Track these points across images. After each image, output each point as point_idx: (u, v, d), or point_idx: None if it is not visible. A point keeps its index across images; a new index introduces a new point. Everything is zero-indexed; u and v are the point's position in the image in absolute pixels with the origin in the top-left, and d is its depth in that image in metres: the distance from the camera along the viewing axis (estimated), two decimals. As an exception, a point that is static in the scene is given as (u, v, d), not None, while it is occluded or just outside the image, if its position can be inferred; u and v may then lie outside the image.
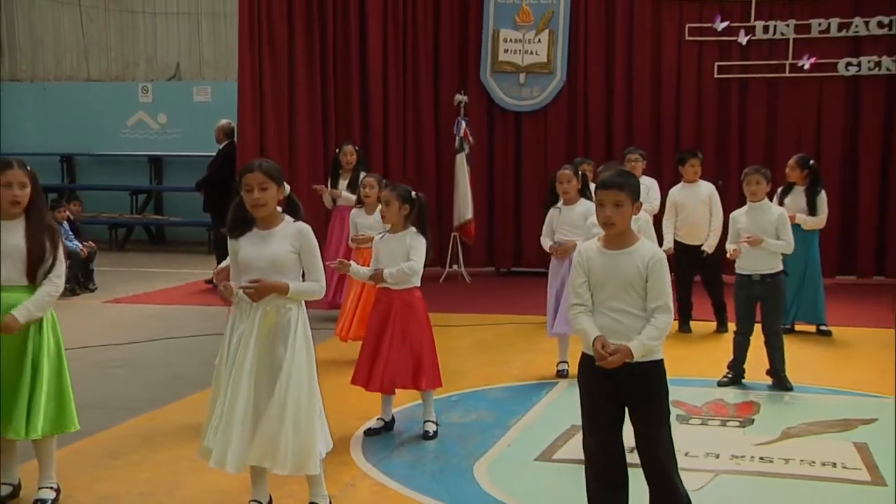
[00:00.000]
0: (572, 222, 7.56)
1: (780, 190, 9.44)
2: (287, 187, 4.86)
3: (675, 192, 9.64)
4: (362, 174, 10.01)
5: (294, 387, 4.66)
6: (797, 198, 9.31)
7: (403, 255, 6.10)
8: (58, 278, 4.91)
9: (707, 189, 9.53)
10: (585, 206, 7.26)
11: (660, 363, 4.39)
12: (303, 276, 4.84)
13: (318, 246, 4.86)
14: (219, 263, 12.29)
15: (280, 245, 4.73)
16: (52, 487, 5.09)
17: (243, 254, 4.76)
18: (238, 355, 4.70)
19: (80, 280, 12.19)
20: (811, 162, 9.55)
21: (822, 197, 9.38)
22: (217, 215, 12.89)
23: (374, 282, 6.19)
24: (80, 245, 12.25)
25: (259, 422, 4.63)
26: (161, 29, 18.08)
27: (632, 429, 4.43)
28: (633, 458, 4.54)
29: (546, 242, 7.79)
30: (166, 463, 5.79)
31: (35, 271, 4.83)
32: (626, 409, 4.43)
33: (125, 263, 15.18)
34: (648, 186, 9.82)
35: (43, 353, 4.90)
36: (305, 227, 4.82)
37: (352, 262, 6.55)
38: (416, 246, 6.12)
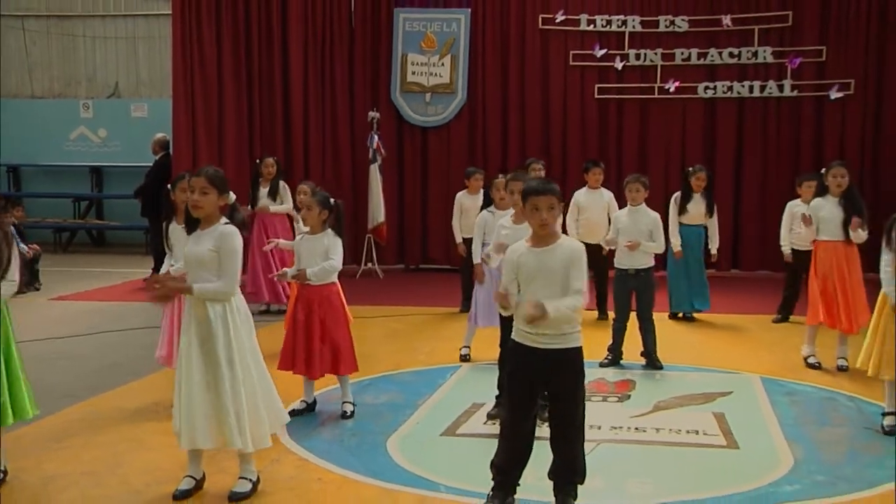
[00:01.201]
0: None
1: (677, 195, 9.56)
2: (233, 196, 4.83)
3: (580, 195, 9.71)
4: (281, 182, 9.96)
5: (228, 372, 4.63)
6: (698, 203, 9.46)
7: (322, 254, 6.05)
8: (13, 278, 4.88)
9: (607, 195, 9.61)
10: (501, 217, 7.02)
11: (580, 349, 4.45)
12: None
13: (237, 250, 4.72)
14: (155, 263, 12.25)
15: (206, 245, 4.69)
16: (-1, 470, 5.00)
17: (185, 250, 4.79)
18: (184, 345, 4.70)
19: (27, 279, 11.91)
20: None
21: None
22: (154, 220, 12.73)
23: (299, 280, 6.14)
24: (25, 247, 11.98)
25: (214, 404, 4.63)
26: (100, 51, 17.74)
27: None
28: (540, 431, 4.61)
29: (477, 251, 7.31)
30: (107, 444, 5.66)
31: None
32: (546, 391, 4.49)
33: (68, 264, 14.82)
34: None
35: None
36: (229, 230, 4.72)
37: (285, 269, 6.48)
38: (334, 246, 6.08)
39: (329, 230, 6.15)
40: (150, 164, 13.03)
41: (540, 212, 4.34)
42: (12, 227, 11.56)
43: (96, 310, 10.65)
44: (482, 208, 7.65)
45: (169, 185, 6.51)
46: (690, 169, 9.68)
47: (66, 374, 7.55)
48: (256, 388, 4.74)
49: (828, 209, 7.44)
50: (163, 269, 6.32)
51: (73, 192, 17.37)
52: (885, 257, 5.76)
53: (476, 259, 7.22)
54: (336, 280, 6.21)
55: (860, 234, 7.35)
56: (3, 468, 5.01)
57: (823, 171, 7.61)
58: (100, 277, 13.20)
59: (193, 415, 4.62)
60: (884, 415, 5.96)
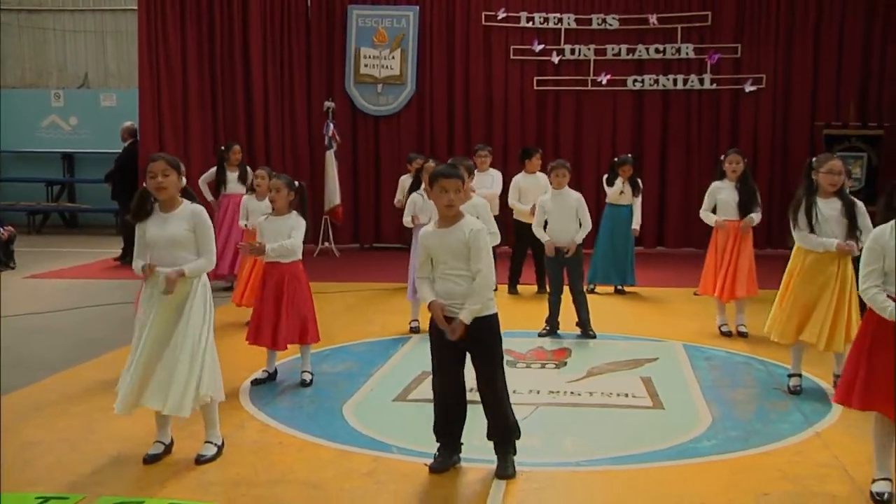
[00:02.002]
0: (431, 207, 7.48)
1: (605, 178, 9.63)
2: (184, 180, 4.76)
3: (519, 179, 9.72)
4: (248, 167, 9.88)
5: (188, 340, 4.58)
6: (625, 186, 9.51)
7: (286, 234, 6.02)
8: None
9: (543, 179, 9.62)
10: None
11: (494, 316, 4.49)
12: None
13: (210, 225, 4.76)
14: (125, 244, 12.09)
15: (178, 225, 4.64)
16: (-20, 436, 4.93)
17: (149, 234, 4.66)
18: (148, 319, 4.61)
19: (2, 259, 11.71)
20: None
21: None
22: (123, 203, 12.57)
23: (255, 254, 6.10)
24: (1, 229, 11.77)
25: (154, 370, 4.57)
26: (70, 44, 17.36)
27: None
28: (473, 396, 4.64)
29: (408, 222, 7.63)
30: (82, 413, 5.60)
31: None
32: (469, 355, 4.52)
33: (42, 245, 14.55)
34: (494, 176, 9.94)
35: None
36: (199, 208, 4.72)
37: (253, 241, 6.35)
38: (297, 226, 6.07)
39: (294, 212, 6.13)
40: (119, 151, 12.84)
41: (448, 193, 4.37)
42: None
43: (70, 287, 10.48)
44: (410, 190, 7.74)
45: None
46: (617, 160, 9.75)
47: (43, 348, 7.44)
48: (209, 356, 4.69)
49: (725, 192, 7.58)
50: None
51: (45, 176, 17.04)
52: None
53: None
54: (300, 258, 6.17)
55: (753, 219, 7.50)
56: None
57: (722, 157, 7.74)
58: (72, 257, 12.98)
59: (150, 384, 4.56)
60: (789, 376, 6.11)
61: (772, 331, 6.02)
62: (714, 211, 7.68)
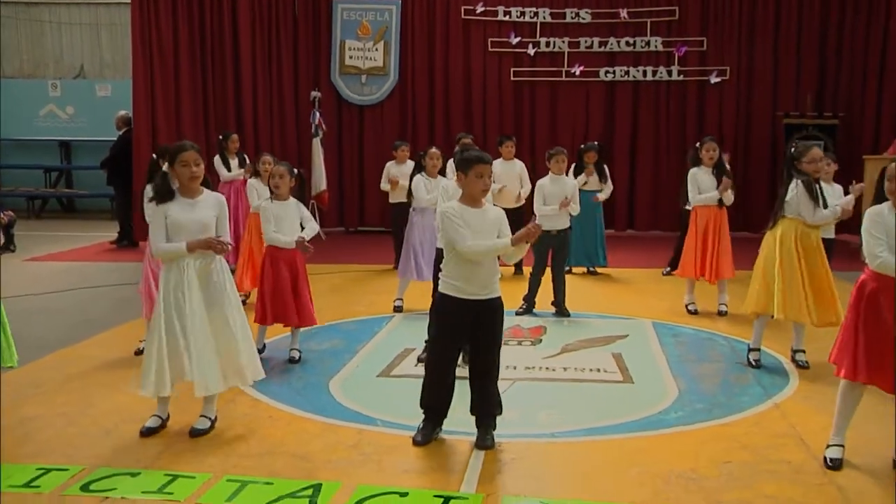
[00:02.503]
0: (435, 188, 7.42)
1: (574, 166, 9.52)
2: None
3: (496, 165, 9.67)
4: (245, 155, 9.84)
5: (239, 317, 4.73)
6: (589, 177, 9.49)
7: (293, 218, 6.08)
8: None
9: (519, 165, 9.62)
10: (444, 181, 7.00)
11: (501, 299, 4.52)
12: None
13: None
14: (120, 228, 12.01)
15: (207, 212, 4.67)
16: (-17, 412, 4.90)
17: (176, 218, 4.60)
18: (181, 302, 4.57)
19: (3, 242, 11.58)
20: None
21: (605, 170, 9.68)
22: (118, 188, 12.50)
23: (301, 248, 6.07)
24: (1, 213, 11.63)
25: (222, 351, 4.65)
26: (66, 36, 17.15)
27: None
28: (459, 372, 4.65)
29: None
30: (79, 389, 5.57)
31: None
32: (470, 336, 4.52)
33: (41, 229, 14.42)
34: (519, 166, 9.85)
35: None
36: (222, 198, 4.82)
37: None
38: (307, 215, 6.18)
39: (292, 199, 6.14)
40: (115, 139, 12.73)
41: (483, 178, 4.43)
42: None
43: (67, 269, 10.40)
44: (413, 174, 7.69)
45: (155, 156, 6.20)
46: (583, 147, 9.73)
47: (42, 327, 7.38)
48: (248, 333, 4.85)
49: (703, 178, 7.60)
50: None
51: (43, 163, 16.85)
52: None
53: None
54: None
55: (729, 196, 7.54)
56: None
57: (698, 145, 7.75)
58: (70, 241, 12.87)
59: (204, 364, 4.57)
60: (749, 350, 6.15)
61: (759, 305, 5.95)
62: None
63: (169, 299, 4.59)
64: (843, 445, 4.31)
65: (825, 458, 4.29)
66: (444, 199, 5.71)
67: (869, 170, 9.97)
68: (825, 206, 5.73)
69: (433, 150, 7.55)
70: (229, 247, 4.67)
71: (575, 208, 7.70)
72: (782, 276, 5.78)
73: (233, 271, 8.57)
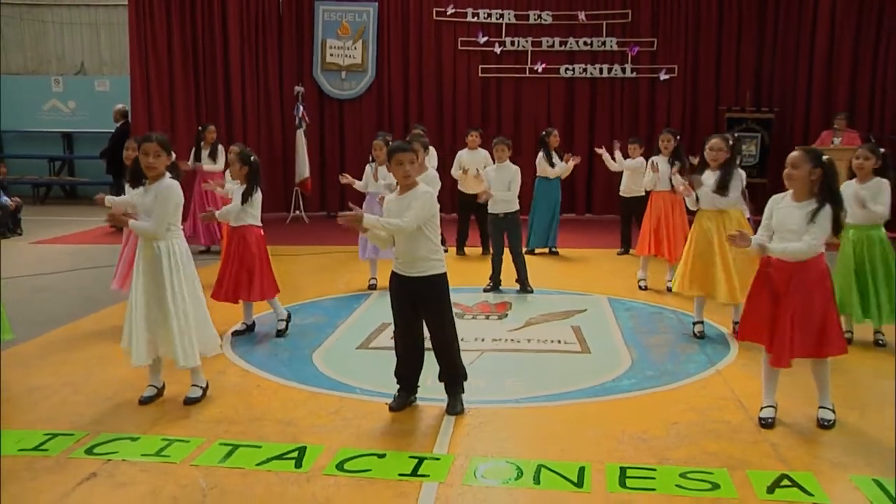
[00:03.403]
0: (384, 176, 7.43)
1: (541, 154, 9.44)
2: (173, 155, 4.65)
3: (463, 154, 9.63)
4: (220, 146, 9.68)
5: (181, 299, 4.52)
6: (540, 160, 9.41)
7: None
8: None
9: (483, 154, 9.50)
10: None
11: (442, 276, 4.46)
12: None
13: (168, 200, 4.49)
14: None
15: (151, 197, 4.53)
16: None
17: (136, 200, 4.64)
18: (135, 279, 4.55)
19: (10, 227, 11.41)
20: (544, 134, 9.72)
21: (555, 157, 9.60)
22: (117, 177, 12.29)
23: (207, 219, 6.01)
24: (8, 200, 11.46)
25: (157, 326, 4.51)
26: (67, 35, 16.82)
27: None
28: (429, 344, 4.61)
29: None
30: (82, 360, 5.51)
31: None
32: (423, 313, 4.49)
33: (45, 214, 14.20)
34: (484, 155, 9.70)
35: None
36: (165, 185, 4.51)
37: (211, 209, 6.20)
38: (236, 192, 5.92)
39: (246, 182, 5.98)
40: (112, 131, 12.57)
41: (403, 165, 4.35)
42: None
43: (71, 251, 10.24)
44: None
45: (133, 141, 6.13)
46: (545, 133, 9.59)
47: (48, 304, 7.28)
48: (190, 315, 4.57)
49: (661, 166, 7.61)
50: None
51: (47, 153, 16.59)
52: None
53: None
54: (254, 223, 5.95)
55: (678, 179, 7.53)
56: None
57: (662, 135, 7.79)
58: (72, 225, 12.68)
59: (139, 337, 4.50)
60: (694, 323, 6.19)
61: (676, 284, 6.07)
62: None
63: (133, 279, 4.59)
64: (774, 406, 4.39)
65: (760, 419, 4.35)
66: (389, 187, 5.72)
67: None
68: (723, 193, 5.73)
69: (376, 141, 7.53)
70: (123, 223, 4.56)
71: (512, 194, 7.59)
72: (692, 257, 5.88)
73: (208, 250, 8.56)
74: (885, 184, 5.59)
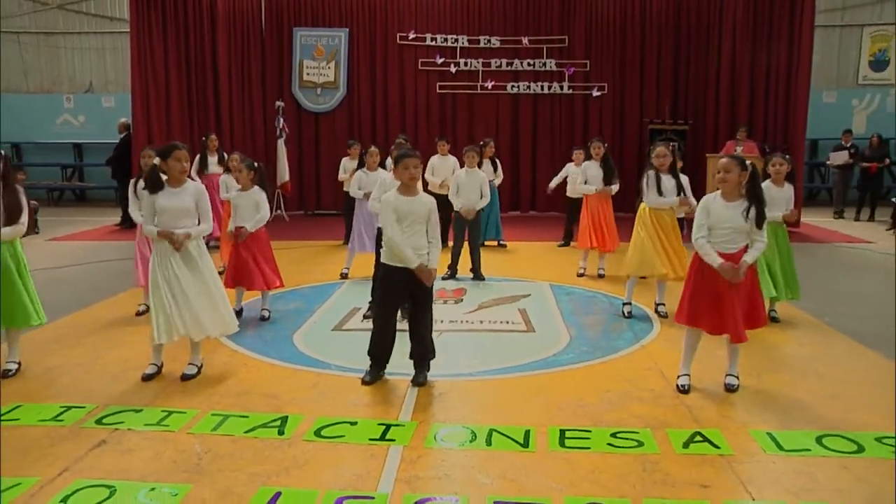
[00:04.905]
0: (373, 181, 7.28)
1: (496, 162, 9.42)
2: None
3: (434, 160, 9.45)
4: (224, 152, 9.50)
5: (211, 279, 4.55)
6: (487, 166, 9.36)
7: (255, 206, 5.81)
8: (23, 222, 4.67)
9: (452, 160, 9.32)
10: (383, 174, 6.83)
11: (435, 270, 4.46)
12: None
13: (209, 201, 4.62)
14: (123, 213, 11.54)
15: (187, 199, 4.49)
16: (15, 361, 4.78)
17: (162, 203, 4.46)
18: (169, 271, 4.44)
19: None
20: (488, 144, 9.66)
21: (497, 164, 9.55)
22: (120, 181, 12.07)
23: (240, 238, 5.79)
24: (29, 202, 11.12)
25: (195, 306, 4.46)
26: (78, 59, 16.36)
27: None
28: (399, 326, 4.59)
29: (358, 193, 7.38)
30: (91, 344, 5.37)
31: (13, 217, 4.60)
32: (412, 296, 4.45)
33: (59, 215, 13.81)
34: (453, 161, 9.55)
35: (12, 266, 4.64)
36: (202, 187, 4.61)
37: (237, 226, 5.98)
38: (262, 200, 5.87)
39: (256, 187, 5.89)
40: (117, 142, 12.29)
41: (409, 169, 4.33)
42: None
43: (81, 247, 9.98)
44: (356, 169, 7.54)
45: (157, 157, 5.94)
46: (482, 143, 9.43)
47: (62, 294, 7.07)
48: (224, 294, 4.67)
49: (592, 169, 7.64)
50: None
51: (60, 161, 16.15)
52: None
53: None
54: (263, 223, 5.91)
55: (613, 189, 7.60)
56: (18, 361, 4.80)
57: (589, 144, 7.80)
58: (82, 224, 12.37)
59: (197, 316, 4.45)
60: (623, 304, 6.23)
61: (632, 268, 6.01)
62: (586, 184, 7.68)
63: (155, 268, 4.48)
64: (689, 374, 4.45)
65: (677, 386, 4.39)
66: (382, 189, 5.62)
67: (710, 166, 10.18)
68: (662, 195, 5.80)
69: (372, 148, 7.37)
70: (181, 244, 4.42)
71: (486, 201, 7.61)
72: (643, 246, 5.89)
73: (218, 247, 8.40)
74: (792, 189, 5.68)
